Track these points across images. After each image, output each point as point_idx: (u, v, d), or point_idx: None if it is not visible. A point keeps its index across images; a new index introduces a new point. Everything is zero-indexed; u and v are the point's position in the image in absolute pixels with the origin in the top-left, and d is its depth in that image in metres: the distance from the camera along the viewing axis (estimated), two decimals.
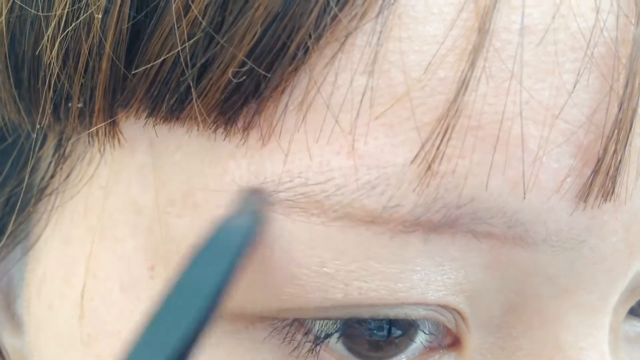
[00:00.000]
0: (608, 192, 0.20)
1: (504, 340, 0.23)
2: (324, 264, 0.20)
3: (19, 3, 0.22)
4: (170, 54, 0.19)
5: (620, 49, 0.19)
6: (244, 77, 0.19)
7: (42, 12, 0.21)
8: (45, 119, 0.23)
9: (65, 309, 0.24)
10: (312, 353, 0.22)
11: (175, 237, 0.22)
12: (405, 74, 0.19)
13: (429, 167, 0.19)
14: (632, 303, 0.25)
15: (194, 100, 0.19)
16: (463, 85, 0.19)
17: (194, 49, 0.19)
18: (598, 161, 0.20)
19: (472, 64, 0.19)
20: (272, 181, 0.20)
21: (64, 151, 0.25)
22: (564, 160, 0.20)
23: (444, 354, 0.23)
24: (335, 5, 0.18)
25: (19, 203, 0.26)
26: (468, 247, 0.21)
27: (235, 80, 0.19)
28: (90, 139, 0.23)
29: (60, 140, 0.25)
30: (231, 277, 0.18)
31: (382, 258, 0.20)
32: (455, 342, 0.23)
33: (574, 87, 0.19)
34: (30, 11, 0.21)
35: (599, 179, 0.20)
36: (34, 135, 0.25)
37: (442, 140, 0.19)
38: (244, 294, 0.21)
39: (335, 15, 0.18)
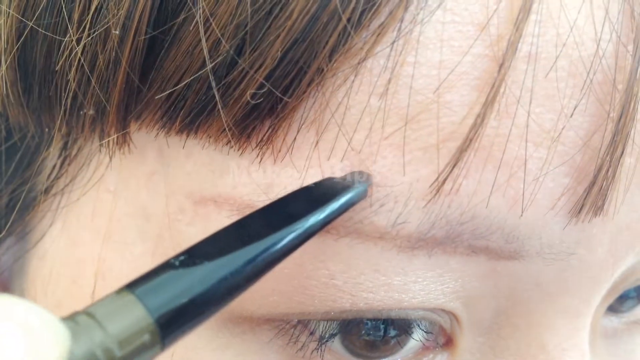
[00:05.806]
0: (598, 208, 0.22)
1: (492, 341, 0.24)
2: (332, 276, 0.21)
3: (25, 21, 0.22)
4: (192, 72, 0.20)
5: (618, 76, 0.20)
6: (261, 99, 0.19)
7: (58, 24, 0.21)
8: (55, 125, 0.23)
9: (75, 308, 0.25)
10: (317, 352, 0.23)
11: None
12: (413, 97, 0.20)
13: (436, 187, 0.20)
14: (610, 301, 0.27)
15: (223, 118, 0.20)
16: (469, 110, 0.20)
17: (215, 69, 0.20)
18: (592, 180, 0.21)
19: (478, 90, 0.20)
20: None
21: (70, 153, 0.25)
22: (559, 179, 0.21)
23: (438, 353, 0.25)
24: (353, 31, 0.19)
25: (21, 201, 0.27)
26: (467, 260, 0.22)
27: (252, 102, 0.19)
28: (100, 145, 0.23)
29: (66, 142, 0.25)
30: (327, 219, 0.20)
31: (387, 271, 0.21)
32: (448, 342, 0.25)
33: (573, 111, 0.20)
34: (43, 22, 0.21)
35: (591, 197, 0.21)
36: (42, 137, 0.25)
37: (448, 162, 0.20)
38: (252, 298, 0.22)
39: (352, 41, 0.19)
